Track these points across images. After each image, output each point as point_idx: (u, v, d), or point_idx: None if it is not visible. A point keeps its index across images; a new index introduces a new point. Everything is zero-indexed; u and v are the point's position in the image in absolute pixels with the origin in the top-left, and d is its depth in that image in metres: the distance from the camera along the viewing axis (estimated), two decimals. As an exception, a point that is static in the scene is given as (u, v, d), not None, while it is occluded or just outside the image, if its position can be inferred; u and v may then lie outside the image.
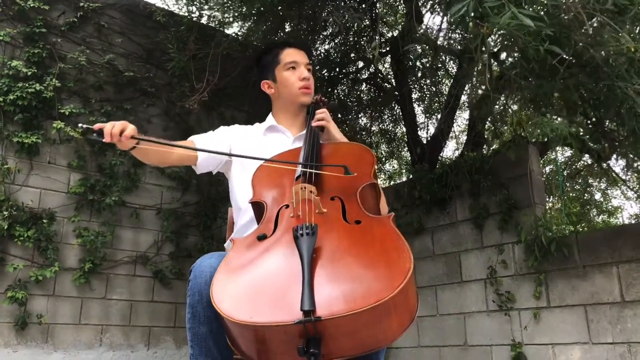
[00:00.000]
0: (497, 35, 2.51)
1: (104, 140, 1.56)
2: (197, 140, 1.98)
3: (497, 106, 4.38)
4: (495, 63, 4.17)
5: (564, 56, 2.60)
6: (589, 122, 3.24)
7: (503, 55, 3.34)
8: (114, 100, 5.35)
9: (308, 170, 1.64)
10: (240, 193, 1.92)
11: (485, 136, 5.90)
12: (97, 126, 1.55)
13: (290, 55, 2.04)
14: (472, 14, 2.35)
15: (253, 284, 1.34)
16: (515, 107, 4.14)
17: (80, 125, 1.54)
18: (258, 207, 1.69)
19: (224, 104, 5.89)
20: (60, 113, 4.87)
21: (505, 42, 2.48)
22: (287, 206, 1.59)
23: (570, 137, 2.82)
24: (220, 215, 5.85)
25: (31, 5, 4.87)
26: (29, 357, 4.47)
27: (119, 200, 5.12)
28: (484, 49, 2.62)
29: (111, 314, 4.98)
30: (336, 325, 1.18)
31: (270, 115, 2.12)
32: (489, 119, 4.72)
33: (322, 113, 1.96)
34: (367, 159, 1.76)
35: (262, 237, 1.49)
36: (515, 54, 2.56)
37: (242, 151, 1.92)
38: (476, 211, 4.48)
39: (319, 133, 1.93)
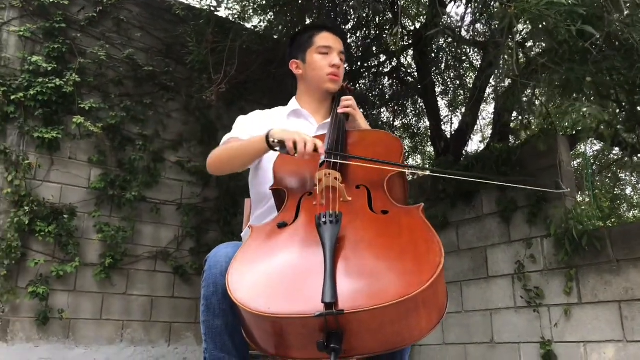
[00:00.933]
0: (524, 18, 2.37)
1: (296, 155, 1.53)
2: (241, 136, 1.90)
3: (524, 97, 4.21)
4: (521, 50, 4.02)
5: (597, 37, 2.46)
6: (622, 109, 3.08)
7: (530, 42, 3.18)
8: (133, 95, 5.32)
9: (335, 160, 1.55)
10: (262, 180, 1.84)
11: (512, 127, 5.74)
12: (290, 147, 1.52)
13: (325, 39, 1.97)
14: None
15: (271, 272, 1.27)
16: (543, 98, 3.98)
17: (275, 140, 1.57)
18: (279, 195, 1.62)
19: (244, 97, 5.83)
20: (81, 108, 4.86)
21: (534, 24, 2.35)
22: (310, 194, 1.52)
23: (603, 125, 2.68)
24: (240, 211, 5.77)
25: (51, 0, 4.87)
26: (51, 352, 4.46)
27: (139, 195, 5.10)
28: (513, 32, 2.49)
29: (132, 309, 4.96)
30: (359, 320, 1.10)
31: (294, 99, 2.05)
32: (516, 110, 4.56)
33: (349, 100, 1.88)
34: (395, 148, 1.67)
35: (282, 225, 1.41)
36: (544, 37, 2.43)
37: None
38: (503, 204, 4.33)
39: (345, 120, 1.85)
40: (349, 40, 6.50)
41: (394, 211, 1.40)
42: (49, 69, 4.74)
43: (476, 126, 6.81)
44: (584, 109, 2.24)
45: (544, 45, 2.59)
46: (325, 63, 1.93)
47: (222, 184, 5.72)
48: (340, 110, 1.85)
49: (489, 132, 8.20)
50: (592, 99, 2.69)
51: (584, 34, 2.50)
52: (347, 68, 6.26)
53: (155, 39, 5.57)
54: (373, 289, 1.14)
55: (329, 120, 1.96)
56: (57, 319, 4.53)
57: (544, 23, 2.23)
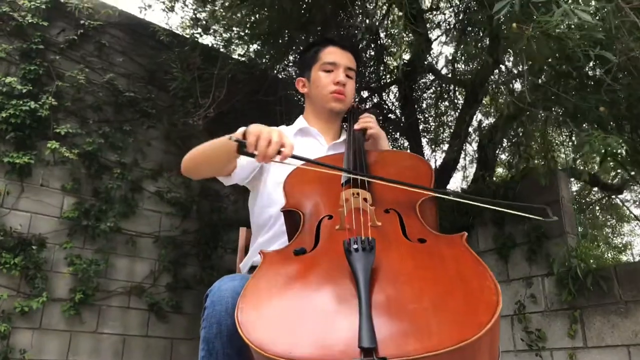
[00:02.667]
0: (534, 40, 2.25)
1: (254, 159, 1.31)
2: None
3: (518, 131, 4.12)
4: (520, 80, 3.93)
5: (613, 64, 2.34)
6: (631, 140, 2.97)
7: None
8: (112, 121, 5.08)
9: (360, 176, 1.35)
10: (266, 202, 1.63)
11: (509, 161, 5.67)
12: (249, 139, 1.29)
13: (330, 54, 1.80)
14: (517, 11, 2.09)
15: (292, 308, 1.04)
16: (542, 131, 3.88)
17: (230, 136, 1.31)
18: (291, 218, 1.39)
19: (227, 127, 5.61)
20: (56, 133, 4.59)
21: (548, 47, 2.23)
22: (331, 217, 1.31)
23: (618, 157, 2.55)
24: (221, 244, 5.52)
25: (29, 21, 4.66)
26: (10, 397, 4.07)
27: (115, 226, 4.80)
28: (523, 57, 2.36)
29: (102, 349, 4.59)
30: None
31: (301, 117, 1.86)
32: (513, 142, 4.46)
33: (369, 117, 1.70)
34: (424, 170, 1.49)
35: (300, 252, 1.19)
36: (562, 62, 2.31)
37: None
38: (501, 241, 4.17)
39: (362, 139, 1.66)
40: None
41: (433, 239, 1.20)
42: (24, 91, 4.49)
43: (461, 161, 6.76)
44: (608, 139, 2.11)
45: (556, 64, 2.47)
46: (329, 80, 1.76)
47: (202, 215, 5.46)
48: (357, 127, 1.67)
49: (470, 170, 8.17)
50: (604, 129, 2.57)
51: (600, 61, 2.38)
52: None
53: (138, 65, 5.38)
54: (421, 331, 0.92)
55: (340, 140, 1.79)
56: (18, 359, 4.14)
57: (561, 45, 2.11)
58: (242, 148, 1.29)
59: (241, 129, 1.35)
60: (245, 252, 1.87)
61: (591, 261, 3.55)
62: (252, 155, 1.29)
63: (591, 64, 2.83)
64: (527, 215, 1.40)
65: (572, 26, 2.04)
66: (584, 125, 2.63)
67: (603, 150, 2.18)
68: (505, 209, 1.44)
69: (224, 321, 1.17)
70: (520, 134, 4.03)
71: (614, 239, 12.58)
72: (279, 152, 1.29)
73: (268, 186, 1.66)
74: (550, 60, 2.23)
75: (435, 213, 1.43)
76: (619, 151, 2.36)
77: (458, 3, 5.49)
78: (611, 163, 2.76)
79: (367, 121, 1.70)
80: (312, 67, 1.81)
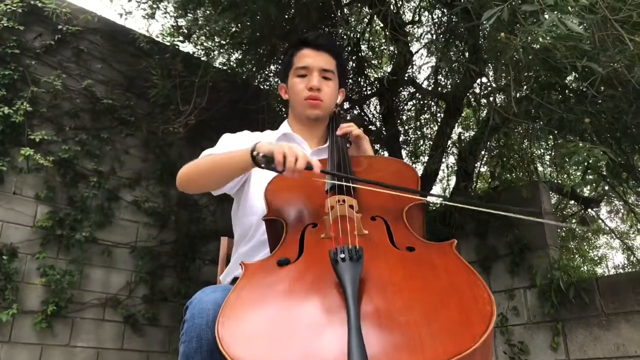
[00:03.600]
0: (526, 51, 2.23)
1: (283, 173, 1.30)
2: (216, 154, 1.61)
3: (501, 141, 4.12)
4: (500, 93, 3.93)
5: (598, 75, 2.34)
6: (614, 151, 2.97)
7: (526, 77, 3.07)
8: (90, 129, 4.97)
9: (347, 183, 1.30)
10: (249, 210, 1.56)
11: (480, 175, 5.69)
12: (279, 160, 1.28)
13: (303, 58, 1.72)
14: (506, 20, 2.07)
15: (276, 322, 0.98)
16: (526, 142, 3.89)
17: (255, 152, 1.34)
18: (273, 227, 1.33)
19: (207, 136, 5.54)
20: (30, 140, 4.47)
21: (535, 57, 2.22)
22: (315, 225, 1.25)
23: (600, 169, 2.54)
24: (199, 255, 5.42)
25: (5, 24, 4.54)
26: (-24, 413, 3.91)
27: (90, 236, 4.67)
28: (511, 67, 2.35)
29: (75, 363, 4.44)
30: None
31: (285, 122, 1.80)
32: (494, 153, 4.46)
33: (350, 125, 1.65)
34: (409, 176, 1.44)
35: (284, 262, 1.13)
36: (548, 73, 2.31)
37: (259, 170, 1.60)
38: (483, 253, 4.15)
39: (345, 145, 1.61)
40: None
41: (422, 247, 1.15)
42: (-3, 96, 4.36)
43: (441, 173, 6.77)
44: (596, 150, 2.09)
45: (542, 75, 2.46)
46: (302, 86, 1.69)
47: (180, 226, 5.36)
48: (339, 132, 1.62)
49: (446, 182, 8.19)
50: (588, 140, 2.57)
51: (584, 72, 2.38)
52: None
53: (117, 72, 5.28)
54: (413, 345, 0.87)
55: (325, 145, 1.73)
56: (-14, 374, 3.99)
57: (549, 56, 2.10)
58: (268, 164, 1.30)
59: (260, 147, 1.34)
60: (226, 263, 1.80)
61: (573, 273, 3.54)
62: (279, 170, 1.29)
63: (574, 75, 2.83)
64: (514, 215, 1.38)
65: (558, 37, 2.03)
66: (569, 136, 2.63)
67: (588, 162, 2.16)
68: (486, 209, 1.42)
69: (205, 335, 1.10)
70: (502, 145, 4.03)
71: (590, 251, 12.73)
72: (308, 168, 1.28)
73: (250, 194, 1.60)
74: (537, 70, 2.22)
75: (422, 220, 1.39)
76: (601, 163, 2.35)
77: (440, 15, 5.52)
78: (593, 175, 2.75)
79: (349, 125, 1.66)
80: (289, 73, 1.75)
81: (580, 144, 2.20)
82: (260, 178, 1.52)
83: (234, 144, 1.61)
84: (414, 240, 1.18)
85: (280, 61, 1.89)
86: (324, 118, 1.77)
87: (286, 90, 1.79)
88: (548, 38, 1.99)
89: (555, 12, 1.92)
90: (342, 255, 1.02)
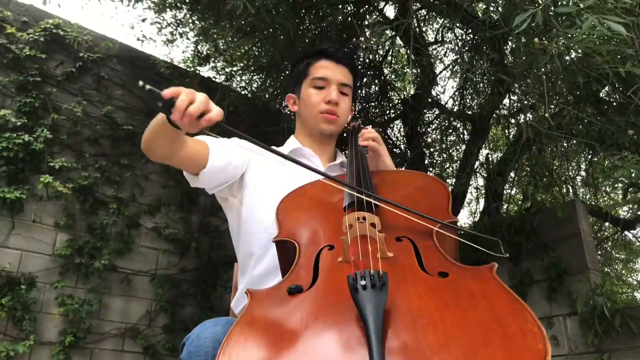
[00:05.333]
0: (556, 58, 2.07)
1: (171, 116, 1.01)
2: (211, 143, 1.45)
3: (533, 160, 3.92)
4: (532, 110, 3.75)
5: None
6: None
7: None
8: (109, 155, 4.92)
9: (365, 197, 1.14)
10: (257, 230, 1.41)
11: (508, 197, 5.48)
12: (167, 93, 0.98)
13: (322, 69, 1.61)
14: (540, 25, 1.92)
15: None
16: (557, 161, 3.69)
17: (141, 83, 0.96)
18: (285, 250, 1.18)
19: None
20: (50, 167, 4.43)
21: (572, 64, 2.05)
22: (332, 247, 1.09)
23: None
24: (220, 283, 5.28)
25: (27, 53, 4.56)
26: None
27: (110, 264, 4.57)
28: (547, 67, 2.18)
29: (93, 396, 4.31)
30: None
31: (292, 137, 1.66)
32: (527, 172, 4.26)
33: (372, 132, 1.51)
34: (439, 191, 1.29)
35: (295, 290, 0.97)
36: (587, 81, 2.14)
37: (263, 176, 1.45)
38: (517, 278, 3.91)
39: (366, 157, 1.46)
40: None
41: (457, 272, 0.99)
42: (19, 124, 4.35)
43: (468, 196, 6.58)
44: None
45: (581, 83, 2.29)
46: (320, 98, 1.57)
47: (202, 253, 5.24)
48: (362, 143, 1.47)
49: (474, 205, 7.98)
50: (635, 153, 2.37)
51: (622, 81, 2.20)
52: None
53: (137, 98, 5.25)
54: None
55: (337, 162, 1.59)
56: (2, 408, 3.88)
57: (588, 62, 1.94)
58: (155, 101, 0.98)
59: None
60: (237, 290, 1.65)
61: (618, 299, 3.29)
62: (168, 113, 1.00)
63: (610, 86, 2.65)
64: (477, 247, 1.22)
65: (598, 40, 1.87)
66: (609, 151, 2.44)
67: (632, 177, 1.97)
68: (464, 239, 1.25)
69: None
70: (534, 163, 3.83)
71: (629, 276, 12.24)
72: (201, 115, 1.02)
73: (256, 207, 1.44)
74: (572, 80, 2.05)
75: (455, 241, 1.22)
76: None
77: (463, 34, 5.39)
78: (636, 193, 2.55)
79: (371, 137, 1.51)
80: (303, 83, 1.63)
81: (628, 157, 2.01)
82: (269, 189, 1.38)
83: (239, 148, 1.51)
84: (447, 264, 1.02)
85: (290, 66, 1.76)
86: (336, 134, 1.66)
87: (295, 101, 1.67)
88: (588, 42, 1.82)
89: (594, 15, 1.76)
90: (363, 283, 0.87)
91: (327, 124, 1.59)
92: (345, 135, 1.75)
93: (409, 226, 1.13)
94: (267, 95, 5.46)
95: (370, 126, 1.75)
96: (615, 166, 1.98)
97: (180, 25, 5.09)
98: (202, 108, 1.02)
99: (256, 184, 1.47)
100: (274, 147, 1.10)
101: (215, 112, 1.05)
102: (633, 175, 2.00)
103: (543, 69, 2.17)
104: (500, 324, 0.82)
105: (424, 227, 1.13)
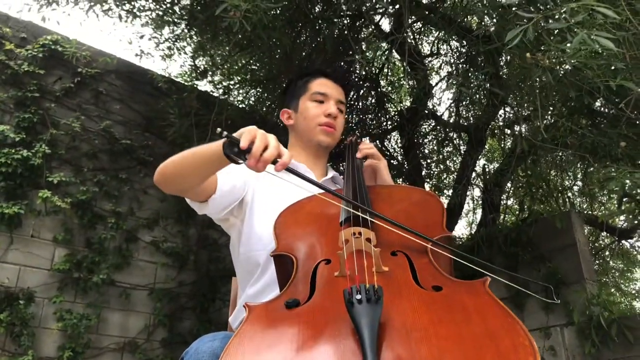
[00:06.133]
0: (548, 72, 2.11)
1: (246, 162, 1.08)
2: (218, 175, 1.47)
3: (528, 171, 3.96)
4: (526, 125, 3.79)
5: (633, 94, 2.20)
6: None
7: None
8: (108, 169, 4.94)
9: (362, 214, 1.17)
10: (254, 246, 1.44)
11: (506, 208, 5.51)
12: (244, 143, 1.05)
13: (322, 85, 1.68)
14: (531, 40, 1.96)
15: None
16: (553, 172, 3.73)
17: (219, 130, 1.06)
18: (283, 264, 1.21)
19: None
20: (49, 182, 4.44)
21: (564, 78, 2.09)
22: (328, 262, 1.12)
23: (638, 195, 2.38)
24: (219, 296, 5.28)
25: (25, 69, 4.59)
26: None
27: (108, 278, 4.58)
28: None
29: (91, 412, 4.30)
30: None
31: None
32: (523, 183, 4.29)
33: (370, 147, 1.55)
34: (434, 206, 1.32)
35: (292, 304, 1.00)
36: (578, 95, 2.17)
37: (261, 193, 1.48)
38: (514, 289, 3.92)
39: (362, 172, 1.50)
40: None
41: (451, 287, 1.01)
42: (17, 139, 4.37)
43: (466, 206, 6.61)
44: (637, 174, 1.94)
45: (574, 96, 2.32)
46: (319, 111, 1.64)
47: (200, 266, 5.25)
48: (359, 155, 1.52)
49: (472, 216, 7.99)
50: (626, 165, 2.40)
51: (615, 94, 2.24)
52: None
53: (135, 112, 5.29)
54: None
55: (328, 176, 1.63)
56: None
57: (580, 76, 1.98)
58: (231, 147, 1.06)
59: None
60: (235, 305, 1.67)
61: (614, 309, 3.31)
62: (243, 159, 1.07)
63: (603, 99, 2.69)
64: (529, 292, 1.26)
65: (588, 56, 1.91)
66: (602, 162, 2.47)
67: (625, 188, 2.00)
68: (508, 280, 1.28)
69: None
70: (530, 175, 3.86)
71: (627, 285, 12.23)
72: (274, 162, 1.08)
73: (255, 225, 1.47)
74: (565, 94, 2.09)
75: (449, 257, 1.24)
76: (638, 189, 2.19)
77: (458, 46, 5.45)
78: (630, 203, 2.58)
79: (371, 152, 1.55)
80: (301, 98, 1.69)
81: (619, 169, 2.04)
82: (267, 206, 1.41)
83: (238, 170, 1.51)
84: (441, 278, 1.05)
85: (285, 83, 1.82)
86: (330, 149, 1.71)
87: (290, 116, 1.72)
88: (578, 57, 1.86)
89: (582, 30, 1.80)
90: (359, 297, 0.89)
91: (325, 136, 1.63)
92: (342, 147, 1.79)
93: (404, 241, 1.16)
94: (264, 109, 5.51)
95: (368, 139, 1.79)
96: (609, 177, 2.01)
97: (178, 40, 5.13)
98: (276, 153, 1.09)
99: (255, 202, 1.50)
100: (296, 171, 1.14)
101: (286, 156, 1.10)
102: (627, 186, 2.03)
103: (537, 82, 2.21)
104: (492, 338, 0.84)
105: (419, 243, 1.15)
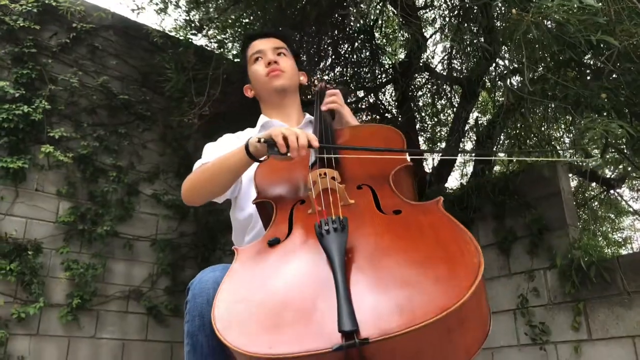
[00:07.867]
0: (534, 26, 2.20)
1: (288, 154, 1.27)
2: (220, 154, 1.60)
3: (518, 123, 4.08)
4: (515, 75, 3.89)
5: (614, 49, 2.31)
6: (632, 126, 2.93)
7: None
8: (107, 125, 5.04)
9: (326, 155, 1.34)
10: (244, 203, 1.59)
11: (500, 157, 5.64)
12: (282, 144, 1.25)
13: (254, 47, 1.77)
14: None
15: (269, 302, 1.00)
16: (544, 124, 3.85)
17: (258, 138, 1.28)
18: (264, 209, 1.37)
19: (223, 129, 5.55)
20: (50, 137, 4.55)
21: (548, 34, 2.19)
22: (303, 202, 1.27)
23: (619, 146, 2.51)
24: (219, 246, 5.47)
25: (21, 24, 4.61)
26: (8, 404, 4.01)
27: (112, 230, 4.75)
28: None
29: (101, 354, 4.54)
30: (391, 348, 0.84)
31: (261, 115, 1.82)
32: (512, 135, 4.42)
33: (334, 95, 1.67)
34: (395, 139, 1.46)
35: (274, 242, 1.15)
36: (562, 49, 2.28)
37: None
38: (501, 235, 4.12)
39: (330, 119, 1.63)
40: (326, 77, 6.36)
41: (408, 209, 1.15)
42: (17, 95, 4.44)
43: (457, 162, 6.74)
44: (613, 124, 2.06)
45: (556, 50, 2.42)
46: (261, 66, 1.73)
47: (200, 217, 5.41)
48: (324, 108, 1.64)
49: (466, 169, 8.15)
50: (607, 116, 2.53)
51: (599, 47, 2.34)
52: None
53: (131, 67, 5.33)
54: (403, 306, 0.87)
55: (304, 122, 1.76)
56: (16, 366, 4.09)
57: (563, 32, 2.08)
58: (272, 149, 1.26)
59: (254, 138, 1.31)
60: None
61: (594, 253, 3.51)
62: (285, 154, 1.25)
63: (590, 52, 2.79)
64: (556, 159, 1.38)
65: (571, 11, 2.01)
66: (585, 114, 2.59)
67: (605, 137, 2.13)
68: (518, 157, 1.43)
69: (206, 313, 1.13)
70: (520, 127, 3.99)
71: (614, 233, 12.54)
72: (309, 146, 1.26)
73: (243, 187, 1.62)
74: (552, 48, 2.19)
75: (411, 183, 1.40)
76: (619, 139, 2.32)
77: (453, -1, 5.46)
78: (613, 153, 2.71)
79: (332, 100, 1.67)
80: (247, 68, 1.79)
81: (598, 120, 2.17)
82: (251, 170, 1.54)
83: (220, 150, 1.61)
84: (401, 203, 1.19)
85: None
86: (292, 91, 1.78)
87: (249, 88, 1.82)
88: (561, 12, 1.96)
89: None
90: (327, 228, 1.04)
91: (276, 80, 1.70)
92: (313, 95, 1.87)
93: (368, 175, 1.30)
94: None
95: (335, 85, 1.91)
96: (588, 127, 2.14)
97: (172, -8, 5.11)
98: (305, 137, 1.25)
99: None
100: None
101: (314, 136, 1.28)
102: (608, 137, 2.16)
103: (528, 37, 2.30)
104: (443, 247, 0.99)
105: (381, 174, 1.29)
